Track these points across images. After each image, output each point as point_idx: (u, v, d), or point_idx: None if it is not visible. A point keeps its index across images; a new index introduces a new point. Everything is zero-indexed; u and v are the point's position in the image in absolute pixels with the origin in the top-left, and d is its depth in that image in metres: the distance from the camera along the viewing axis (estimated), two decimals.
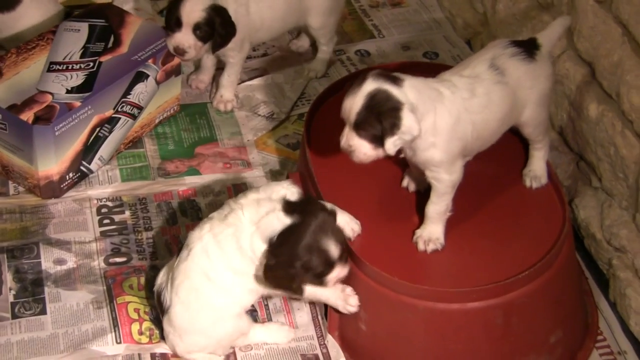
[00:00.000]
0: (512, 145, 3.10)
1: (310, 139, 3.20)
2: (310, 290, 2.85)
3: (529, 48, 2.93)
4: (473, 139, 2.83)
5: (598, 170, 3.23)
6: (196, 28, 3.48)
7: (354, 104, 2.67)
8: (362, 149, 2.70)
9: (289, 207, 2.74)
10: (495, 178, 3.12)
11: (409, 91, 2.67)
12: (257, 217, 2.75)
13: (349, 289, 2.88)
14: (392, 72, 2.73)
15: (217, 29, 3.51)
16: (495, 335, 2.86)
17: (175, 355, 2.94)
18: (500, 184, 3.13)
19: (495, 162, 3.04)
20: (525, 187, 3.12)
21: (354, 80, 2.71)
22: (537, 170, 3.12)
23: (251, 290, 2.86)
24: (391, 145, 2.66)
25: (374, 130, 2.67)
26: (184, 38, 3.49)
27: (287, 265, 2.71)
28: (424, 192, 3.02)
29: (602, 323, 3.16)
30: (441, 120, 2.73)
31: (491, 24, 3.94)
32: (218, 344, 2.91)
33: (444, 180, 2.84)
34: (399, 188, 3.11)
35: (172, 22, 3.50)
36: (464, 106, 2.78)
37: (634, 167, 3.01)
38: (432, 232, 2.93)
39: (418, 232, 2.96)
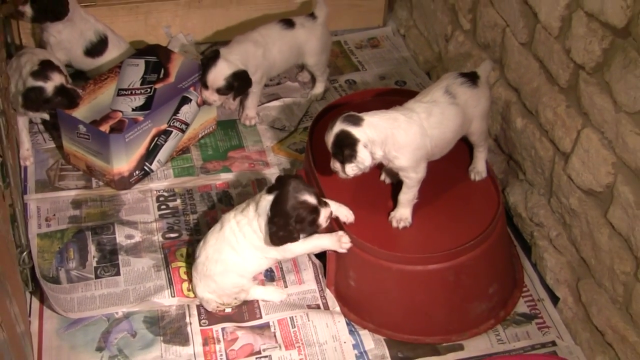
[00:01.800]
0: (460, 149, 3.09)
1: (312, 145, 3.20)
2: (314, 242, 2.88)
3: (472, 78, 2.95)
4: (432, 147, 2.84)
5: (523, 167, 3.24)
6: (218, 90, 3.48)
7: (329, 140, 2.76)
8: (341, 170, 2.78)
9: (270, 188, 2.79)
10: (449, 173, 3.11)
11: (367, 129, 2.72)
12: (258, 208, 2.80)
13: (340, 233, 2.89)
14: (360, 111, 2.80)
15: (236, 87, 3.52)
16: (449, 289, 2.88)
17: (196, 294, 2.98)
18: (452, 177, 3.13)
19: (448, 162, 3.03)
20: (470, 180, 3.13)
21: (332, 120, 2.78)
22: (479, 167, 3.13)
23: (260, 261, 2.90)
24: (349, 170, 2.76)
25: (340, 158, 2.74)
26: (210, 96, 3.50)
27: (284, 225, 2.72)
28: (396, 183, 3.02)
29: (526, 278, 3.17)
30: (400, 139, 2.77)
31: (444, 60, 3.94)
32: (223, 291, 2.92)
33: (412, 178, 2.86)
34: (377, 181, 3.11)
35: (203, 82, 3.50)
36: (421, 124, 2.80)
37: (548, 165, 3.02)
38: (402, 214, 2.94)
39: (392, 213, 2.97)
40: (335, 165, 2.79)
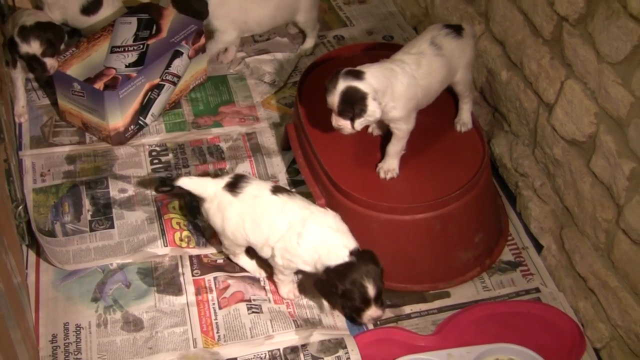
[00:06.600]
0: (446, 101, 3.10)
1: (301, 99, 3.19)
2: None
3: (457, 29, 2.94)
4: (422, 97, 2.84)
5: (508, 118, 3.24)
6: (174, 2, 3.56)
7: (334, 99, 2.70)
8: (347, 126, 2.74)
9: (353, 252, 2.63)
10: (435, 125, 3.11)
11: (371, 80, 2.69)
12: (325, 244, 2.65)
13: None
14: (348, 65, 2.75)
15: (192, 4, 3.55)
16: (435, 237, 2.89)
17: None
18: (438, 129, 3.12)
19: (435, 114, 3.03)
20: (456, 131, 3.13)
21: (331, 79, 2.72)
22: (464, 118, 3.12)
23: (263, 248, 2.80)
24: (358, 124, 2.72)
25: (350, 114, 2.70)
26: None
27: (332, 286, 2.61)
28: (383, 135, 3.03)
29: (511, 227, 3.19)
30: (396, 89, 2.75)
31: (431, 14, 3.91)
32: (225, 237, 2.86)
33: (403, 130, 2.86)
34: (365, 133, 3.09)
35: None
36: (412, 75, 2.79)
37: (533, 116, 3.02)
38: (390, 165, 2.95)
39: (380, 165, 2.97)
40: (340, 122, 2.75)
